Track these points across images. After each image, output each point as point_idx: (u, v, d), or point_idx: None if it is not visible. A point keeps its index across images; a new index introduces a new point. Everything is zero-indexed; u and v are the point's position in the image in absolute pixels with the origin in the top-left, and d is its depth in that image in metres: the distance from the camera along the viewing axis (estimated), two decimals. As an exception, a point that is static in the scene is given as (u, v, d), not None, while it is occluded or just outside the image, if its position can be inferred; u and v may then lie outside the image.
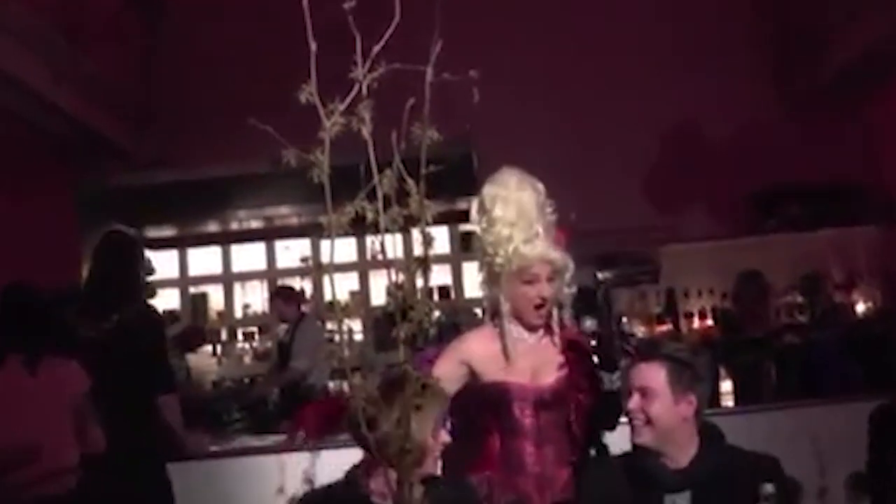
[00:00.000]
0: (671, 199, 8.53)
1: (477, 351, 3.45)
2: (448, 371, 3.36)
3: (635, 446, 2.95)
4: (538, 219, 3.42)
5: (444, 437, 3.02)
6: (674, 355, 2.96)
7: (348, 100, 1.86)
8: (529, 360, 3.40)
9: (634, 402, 2.89)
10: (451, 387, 3.36)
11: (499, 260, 3.36)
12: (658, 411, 2.85)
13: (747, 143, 8.66)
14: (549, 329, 3.47)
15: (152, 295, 8.01)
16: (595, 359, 3.43)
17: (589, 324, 3.63)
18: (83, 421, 4.34)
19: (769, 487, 2.33)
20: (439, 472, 3.05)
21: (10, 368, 4.28)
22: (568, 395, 3.39)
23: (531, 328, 3.45)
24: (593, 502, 3.01)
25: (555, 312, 3.46)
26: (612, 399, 3.34)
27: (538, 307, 3.38)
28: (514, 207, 3.40)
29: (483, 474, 3.35)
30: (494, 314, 3.45)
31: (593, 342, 3.50)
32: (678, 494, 2.84)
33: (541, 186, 3.49)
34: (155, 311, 5.14)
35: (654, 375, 2.89)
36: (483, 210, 3.48)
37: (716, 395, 5.15)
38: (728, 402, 5.25)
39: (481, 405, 3.44)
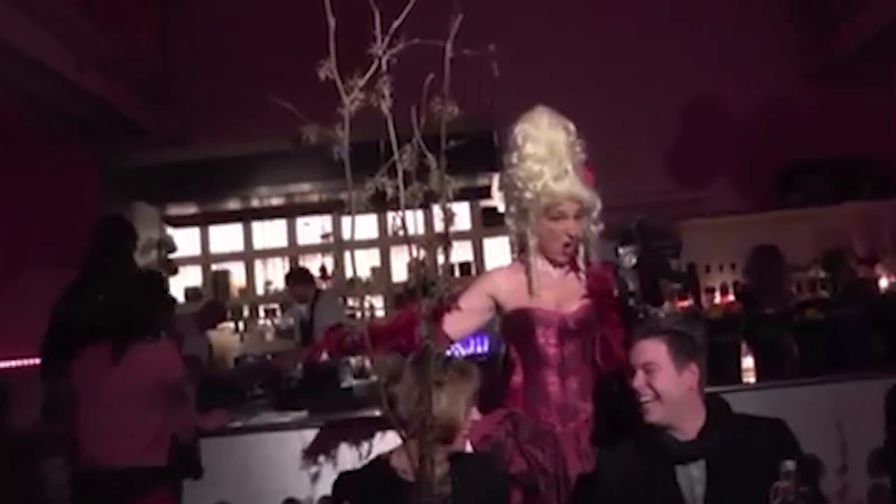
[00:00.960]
0: (693, 173, 8.48)
1: (503, 283, 3.48)
2: (475, 304, 3.42)
3: (648, 426, 2.95)
4: (568, 157, 3.45)
5: (475, 414, 3.02)
6: (672, 328, 2.98)
7: (368, 76, 1.86)
8: (554, 293, 3.43)
9: (639, 379, 2.90)
10: (477, 319, 3.46)
11: (528, 195, 3.39)
12: (664, 385, 2.87)
13: (771, 117, 8.60)
14: (574, 264, 3.50)
15: (174, 272, 8.08)
16: (620, 291, 3.49)
17: (627, 259, 3.67)
18: (175, 404, 4.42)
19: (789, 465, 2.33)
20: (468, 447, 3.07)
21: (100, 350, 4.36)
22: (592, 325, 3.41)
23: (557, 263, 3.46)
24: (608, 481, 3.01)
25: (581, 249, 3.48)
26: None
27: (565, 245, 3.42)
28: (545, 145, 3.45)
29: (507, 410, 3.37)
30: (521, 249, 3.47)
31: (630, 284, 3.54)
32: (692, 465, 2.86)
33: (571, 127, 3.54)
34: (141, 293, 5.14)
35: (656, 350, 2.91)
36: (514, 147, 3.54)
37: (737, 372, 5.13)
38: (749, 378, 5.22)
39: (506, 336, 3.46)
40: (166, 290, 5.43)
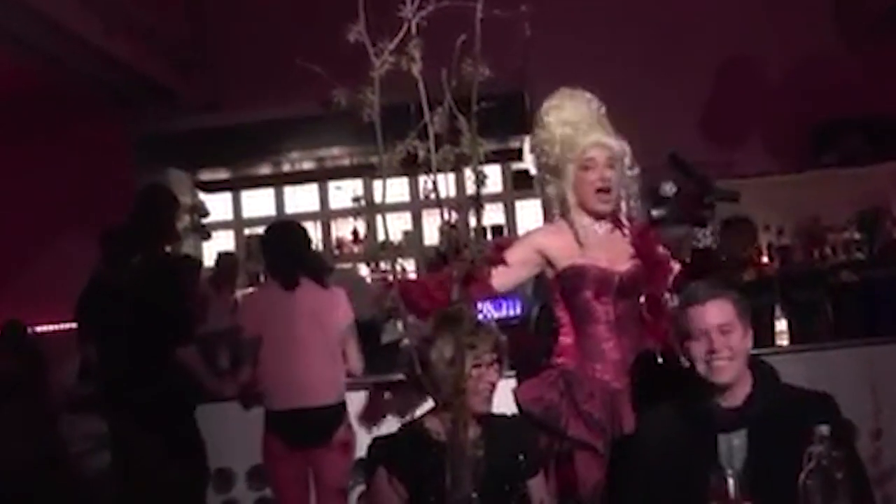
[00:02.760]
0: (727, 134, 8.38)
1: (552, 241, 3.45)
2: (523, 257, 3.40)
3: (687, 388, 2.92)
4: (593, 118, 3.51)
5: (492, 376, 3.02)
6: (735, 291, 2.95)
7: (398, 39, 1.85)
8: (604, 251, 3.41)
9: (718, 340, 2.85)
10: (526, 272, 3.45)
11: (557, 150, 3.41)
12: (737, 345, 2.81)
13: (806, 75, 8.47)
14: (618, 221, 3.49)
15: (207, 237, 8.12)
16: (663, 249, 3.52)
17: (668, 188, 3.68)
18: (344, 344, 4.77)
19: (823, 429, 2.30)
20: (490, 409, 3.06)
21: (271, 287, 4.75)
22: (642, 283, 3.42)
23: (598, 216, 3.45)
24: (648, 446, 2.99)
25: (623, 205, 3.49)
26: (703, 255, 3.37)
27: (600, 191, 3.40)
28: (569, 111, 3.49)
29: (559, 369, 3.35)
30: (563, 210, 3.46)
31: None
32: (734, 434, 2.81)
33: (596, 102, 3.57)
34: (172, 261, 5.20)
35: (728, 310, 2.85)
36: (540, 122, 3.53)
37: (771, 335, 5.10)
38: (783, 341, 5.19)
39: (552, 295, 3.47)
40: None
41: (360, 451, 4.75)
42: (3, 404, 5.59)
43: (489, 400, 3.02)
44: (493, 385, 3.04)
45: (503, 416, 3.10)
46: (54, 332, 6.35)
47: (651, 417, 3.05)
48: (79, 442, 5.59)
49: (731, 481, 2.35)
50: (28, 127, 8.43)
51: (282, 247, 4.79)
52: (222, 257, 8.09)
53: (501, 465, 2.93)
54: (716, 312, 2.87)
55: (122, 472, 4.82)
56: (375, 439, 3.25)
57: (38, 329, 7.18)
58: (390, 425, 4.51)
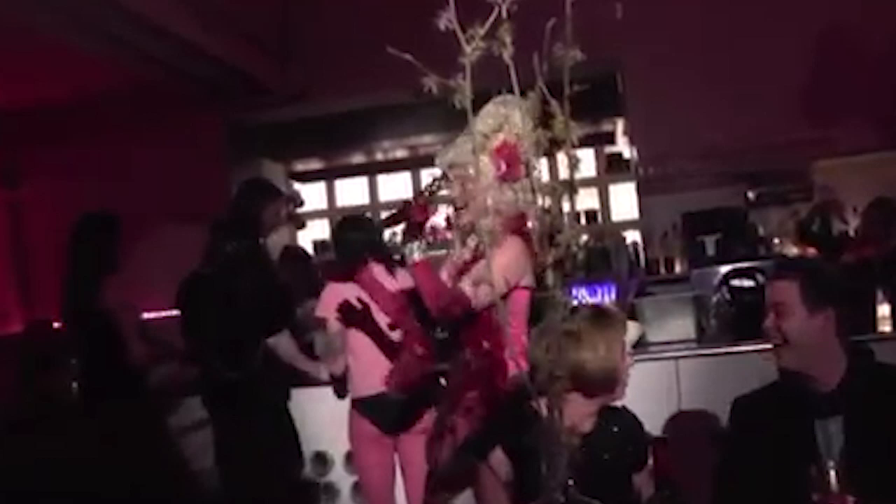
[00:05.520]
0: (825, 111, 8.15)
1: None
2: None
3: (782, 372, 2.85)
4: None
5: (631, 362, 2.99)
6: (806, 269, 2.87)
7: (488, 24, 1.84)
8: None
9: (770, 321, 2.79)
10: None
11: None
12: (793, 327, 2.75)
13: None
14: None
15: (301, 226, 8.23)
16: None
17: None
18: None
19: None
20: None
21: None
22: None
23: None
24: (742, 432, 2.93)
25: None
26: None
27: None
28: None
29: None
30: None
31: None
32: (830, 420, 2.73)
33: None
34: (265, 252, 5.27)
35: (787, 290, 2.78)
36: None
37: (872, 320, 4.96)
38: (885, 327, 5.04)
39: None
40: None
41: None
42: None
43: (625, 387, 3.01)
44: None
45: (616, 408, 3.07)
46: (154, 320, 6.49)
47: (746, 400, 2.99)
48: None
49: (832, 473, 2.29)
50: (124, 122, 8.64)
51: (355, 237, 4.81)
52: (318, 244, 8.17)
53: (610, 455, 2.91)
54: (773, 292, 2.81)
55: (221, 456, 4.94)
56: (494, 417, 3.25)
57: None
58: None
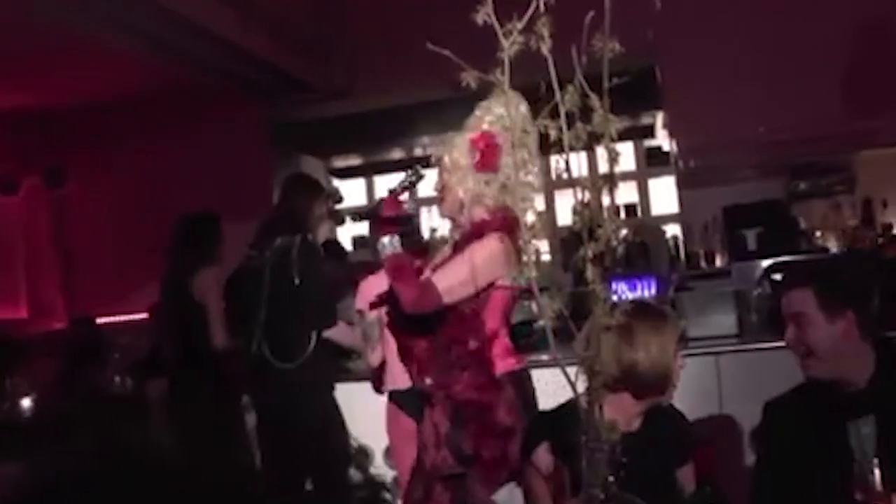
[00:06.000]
0: (867, 101, 8.05)
1: None
2: None
3: (811, 380, 2.80)
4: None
5: (682, 362, 2.96)
6: (820, 274, 2.80)
7: (526, 18, 1.83)
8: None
9: (790, 333, 2.74)
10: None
11: None
12: (816, 338, 2.69)
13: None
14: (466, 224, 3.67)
15: (341, 222, 8.27)
16: None
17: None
18: None
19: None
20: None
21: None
22: None
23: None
24: (775, 435, 2.89)
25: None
26: None
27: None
28: None
29: None
30: None
31: None
32: (861, 420, 2.68)
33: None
34: (315, 246, 5.31)
35: (803, 299, 2.72)
36: None
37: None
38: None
39: None
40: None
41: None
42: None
43: (675, 387, 2.98)
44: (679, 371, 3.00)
45: (663, 407, 3.04)
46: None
47: (778, 403, 2.94)
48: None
49: (876, 472, 2.26)
50: (167, 122, 8.73)
51: None
52: (358, 240, 8.21)
53: (654, 453, 2.89)
54: (789, 303, 2.75)
55: (267, 447, 4.98)
56: (540, 413, 3.23)
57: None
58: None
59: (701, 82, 7.36)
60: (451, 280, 3.33)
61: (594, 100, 1.83)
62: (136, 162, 8.93)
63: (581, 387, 2.04)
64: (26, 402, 5.83)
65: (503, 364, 3.41)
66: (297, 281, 4.88)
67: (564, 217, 8.42)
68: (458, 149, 3.54)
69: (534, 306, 6.05)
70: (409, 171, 3.63)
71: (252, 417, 5.22)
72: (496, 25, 1.83)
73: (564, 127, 1.84)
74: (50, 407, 5.86)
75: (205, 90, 8.28)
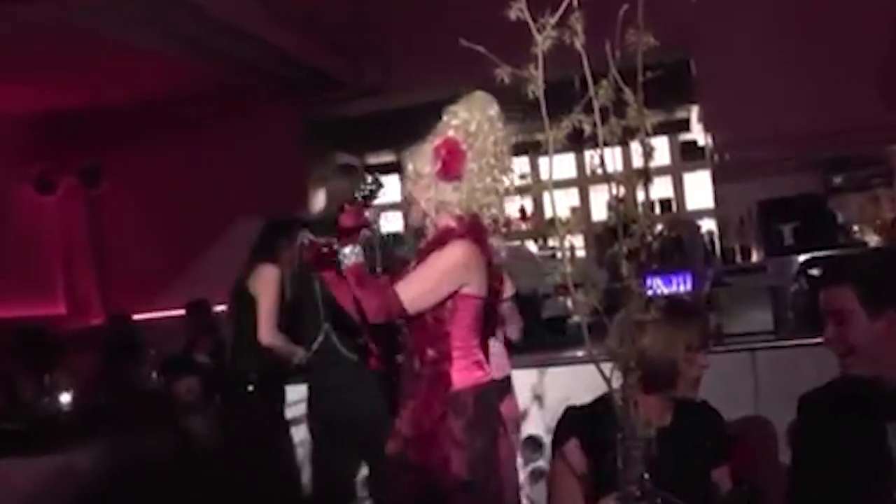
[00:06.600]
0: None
1: None
2: None
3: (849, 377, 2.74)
4: None
5: (702, 359, 2.93)
6: (860, 270, 2.74)
7: (559, 13, 1.82)
8: None
9: (829, 331, 2.67)
10: None
11: None
12: (857, 336, 2.60)
13: None
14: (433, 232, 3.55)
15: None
16: None
17: None
18: (504, 314, 4.68)
19: None
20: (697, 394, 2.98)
21: None
22: None
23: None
24: (810, 432, 2.84)
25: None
26: None
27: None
28: None
29: None
30: None
31: None
32: None
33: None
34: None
35: (843, 297, 2.62)
36: None
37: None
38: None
39: None
40: None
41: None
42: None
43: (698, 384, 2.95)
44: (704, 368, 2.96)
45: (692, 401, 3.02)
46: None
47: (814, 402, 2.88)
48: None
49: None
50: (201, 121, 8.78)
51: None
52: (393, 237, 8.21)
53: (687, 450, 2.86)
54: (828, 300, 2.68)
55: (323, 433, 5.01)
56: (568, 409, 3.20)
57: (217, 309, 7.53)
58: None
59: (736, 75, 7.30)
60: (414, 288, 3.24)
61: (628, 94, 1.82)
62: (170, 161, 9.00)
63: (614, 384, 2.03)
64: (65, 397, 5.90)
65: (468, 376, 3.28)
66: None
67: (599, 213, 8.38)
68: (420, 157, 3.47)
69: (569, 302, 6.04)
70: (370, 180, 3.57)
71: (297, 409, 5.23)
72: (529, 20, 1.82)
73: (599, 122, 1.83)
74: (89, 402, 5.93)
75: (238, 89, 8.33)
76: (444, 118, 3.45)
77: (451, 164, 3.34)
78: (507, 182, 3.46)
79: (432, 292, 3.23)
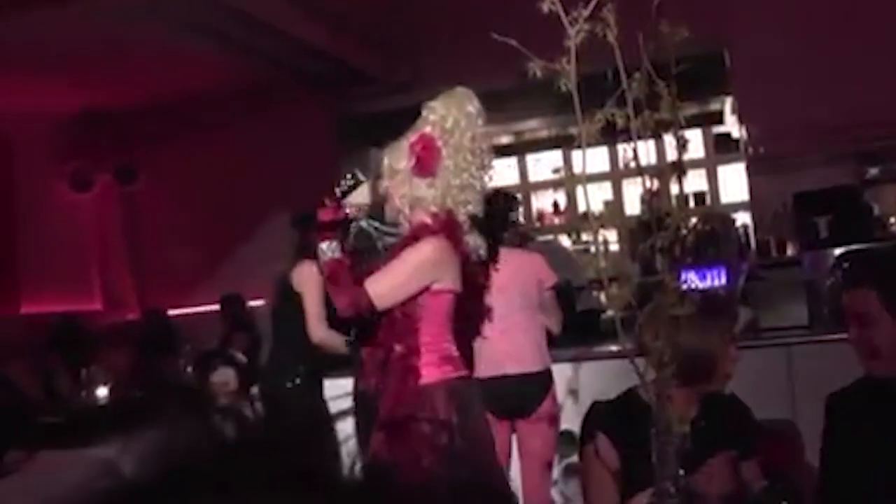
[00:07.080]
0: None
1: None
2: None
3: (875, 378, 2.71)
4: None
5: (733, 353, 2.91)
6: (883, 271, 2.70)
7: (592, 5, 1.82)
8: None
9: (853, 332, 2.64)
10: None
11: None
12: (881, 338, 2.57)
13: None
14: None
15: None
16: None
17: None
18: (545, 306, 4.81)
19: None
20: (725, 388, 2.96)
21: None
22: None
23: None
24: (838, 432, 2.80)
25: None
26: None
27: None
28: None
29: None
30: None
31: None
32: None
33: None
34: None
35: (867, 299, 2.60)
36: None
37: None
38: None
39: None
40: None
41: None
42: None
43: (729, 378, 2.93)
44: (735, 362, 2.94)
45: (722, 396, 2.99)
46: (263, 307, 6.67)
47: (842, 401, 2.85)
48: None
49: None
50: (234, 118, 8.83)
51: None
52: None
53: (715, 442, 2.84)
54: (851, 301, 2.65)
55: (363, 435, 5.03)
56: (594, 404, 3.18)
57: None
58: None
59: (770, 67, 7.24)
60: (384, 284, 3.25)
61: (662, 86, 1.81)
62: (205, 158, 9.05)
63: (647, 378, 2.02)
64: (102, 391, 5.96)
65: (437, 371, 3.27)
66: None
67: (633, 207, 8.35)
68: (396, 153, 3.47)
69: (602, 296, 6.02)
70: (349, 176, 3.56)
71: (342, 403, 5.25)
72: (561, 13, 1.82)
73: (632, 115, 1.82)
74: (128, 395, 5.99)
75: (271, 86, 8.36)
76: (424, 113, 3.43)
77: (425, 161, 3.35)
78: (486, 179, 3.45)
79: (401, 288, 3.25)
